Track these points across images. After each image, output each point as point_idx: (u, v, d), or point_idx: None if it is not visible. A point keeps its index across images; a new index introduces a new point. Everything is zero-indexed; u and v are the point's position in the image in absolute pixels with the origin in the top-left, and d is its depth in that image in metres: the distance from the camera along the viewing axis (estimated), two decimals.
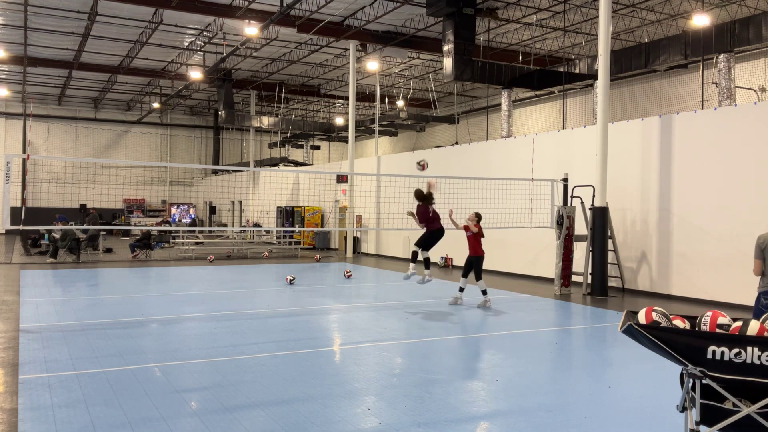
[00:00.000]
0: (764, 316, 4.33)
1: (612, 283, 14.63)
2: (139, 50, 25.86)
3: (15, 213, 12.43)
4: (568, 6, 19.75)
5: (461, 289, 12.25)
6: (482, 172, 19.00)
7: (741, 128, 12.50)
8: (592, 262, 13.94)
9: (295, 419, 5.45)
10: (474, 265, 11.98)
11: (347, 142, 25.78)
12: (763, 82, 20.27)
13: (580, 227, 14.93)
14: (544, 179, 15.78)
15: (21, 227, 11.44)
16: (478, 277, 11.94)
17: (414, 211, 11.99)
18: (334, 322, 10.21)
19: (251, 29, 20.88)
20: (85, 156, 40.87)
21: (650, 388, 6.57)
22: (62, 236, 20.17)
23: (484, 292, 12.01)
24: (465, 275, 12.14)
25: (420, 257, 12.02)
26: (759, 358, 3.87)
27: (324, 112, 40.76)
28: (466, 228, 12.09)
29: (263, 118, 33.59)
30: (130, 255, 22.16)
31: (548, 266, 16.43)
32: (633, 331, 4.21)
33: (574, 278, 14.89)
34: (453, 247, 20.27)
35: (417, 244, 11.96)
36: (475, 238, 12.02)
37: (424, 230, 11.97)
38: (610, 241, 14.22)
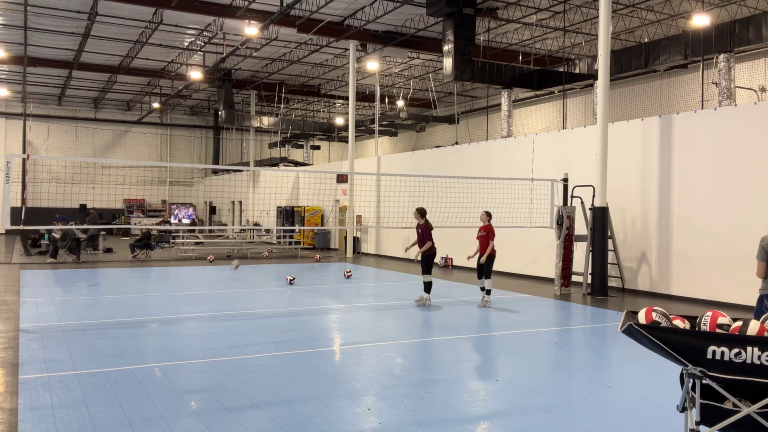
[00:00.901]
0: (764, 316, 4.33)
1: (612, 283, 14.64)
2: (139, 50, 25.87)
3: (15, 213, 12.42)
4: (568, 6, 19.75)
5: (482, 289, 12.17)
6: (482, 172, 19.01)
7: (741, 128, 12.50)
8: (592, 262, 13.94)
9: (295, 419, 5.45)
10: (484, 264, 12.05)
11: (347, 142, 25.78)
12: (763, 82, 20.27)
13: (580, 227, 14.93)
14: (544, 179, 15.78)
15: (21, 227, 11.44)
16: (487, 276, 12.01)
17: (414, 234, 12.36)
18: (334, 322, 10.21)
19: (251, 29, 20.88)
20: (85, 156, 40.88)
21: (650, 388, 6.57)
22: (62, 236, 20.17)
23: (488, 292, 12.03)
24: (480, 276, 12.14)
25: (425, 279, 12.18)
26: (759, 358, 3.87)
27: (324, 112, 40.76)
28: (489, 232, 12.12)
29: (263, 118, 33.60)
30: (130, 255, 22.16)
31: (548, 266, 16.43)
32: (633, 331, 4.21)
33: (574, 278, 14.89)
34: (453, 247, 20.29)
35: (428, 272, 12.10)
36: (486, 239, 12.02)
37: (421, 253, 12.13)
38: (610, 241, 14.22)
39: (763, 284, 6.28)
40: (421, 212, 12.29)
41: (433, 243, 12.15)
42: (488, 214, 12.29)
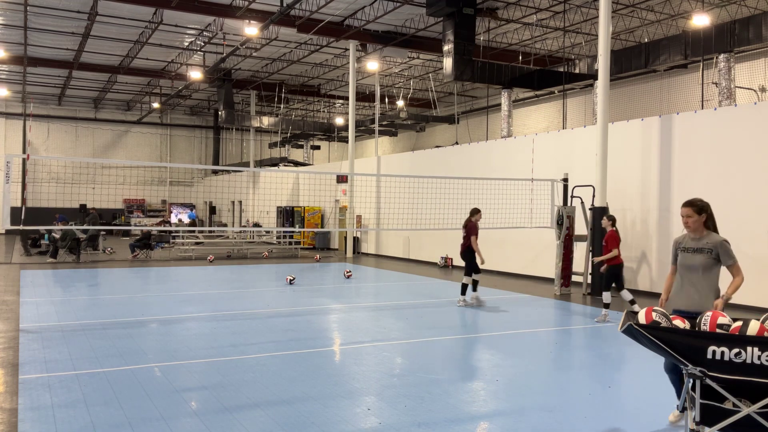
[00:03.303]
0: (764, 316, 4.33)
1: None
2: (139, 50, 25.87)
3: (15, 213, 12.43)
4: (568, 6, 19.75)
5: (606, 305, 10.86)
6: (482, 172, 19.00)
7: (741, 128, 12.50)
8: (592, 262, 13.93)
9: (295, 419, 5.45)
10: (615, 273, 10.91)
11: (347, 142, 25.79)
12: (763, 82, 20.27)
13: (580, 227, 14.93)
14: (544, 179, 15.78)
15: (21, 227, 11.45)
16: (605, 288, 10.86)
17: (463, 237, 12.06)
18: (334, 322, 10.21)
19: (251, 29, 20.88)
20: (85, 156, 40.88)
21: (650, 388, 6.57)
22: (62, 236, 20.17)
23: (607, 306, 10.82)
24: (608, 288, 10.86)
25: (467, 280, 12.11)
26: (759, 358, 3.87)
27: (324, 112, 40.77)
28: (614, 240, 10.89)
29: (263, 118, 33.61)
30: (130, 255, 22.16)
31: (548, 266, 16.43)
32: (633, 331, 4.21)
33: (574, 278, 14.89)
34: (453, 247, 20.29)
35: (476, 272, 12.03)
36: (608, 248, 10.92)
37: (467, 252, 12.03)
38: None
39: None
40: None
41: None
42: (611, 219, 11.16)
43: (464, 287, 12.04)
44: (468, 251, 11.97)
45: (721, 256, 5.05)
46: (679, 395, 5.15)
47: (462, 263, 12.34)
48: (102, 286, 14.35)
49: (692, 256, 5.12)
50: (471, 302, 12.22)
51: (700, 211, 5.09)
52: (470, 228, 11.95)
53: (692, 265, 5.11)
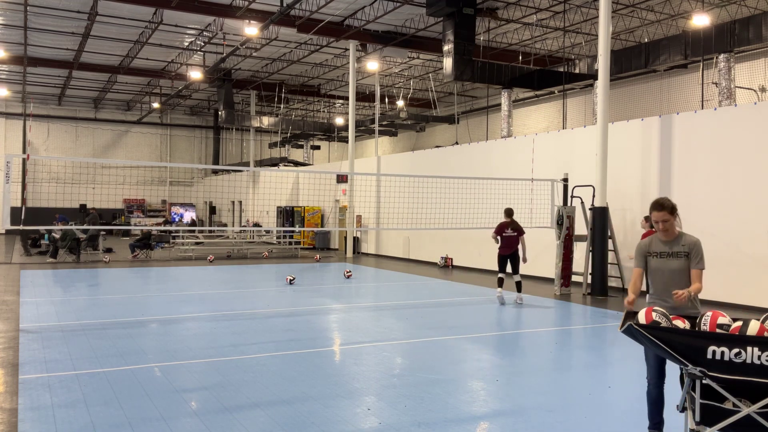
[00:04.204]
0: (764, 315, 4.33)
1: (612, 283, 14.63)
2: (139, 50, 25.87)
3: (15, 213, 12.42)
4: (568, 6, 19.75)
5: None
6: (482, 172, 19.00)
7: (741, 128, 12.50)
8: (592, 262, 13.94)
9: (295, 419, 5.45)
10: None
11: (347, 142, 25.79)
12: (763, 82, 20.27)
13: (580, 227, 14.93)
14: (544, 179, 15.78)
15: (21, 227, 11.45)
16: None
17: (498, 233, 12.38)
18: (334, 322, 10.21)
19: (251, 29, 20.88)
20: (85, 156, 40.88)
21: None
22: (62, 236, 20.17)
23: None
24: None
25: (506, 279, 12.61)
26: (759, 358, 3.87)
27: (324, 112, 40.76)
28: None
29: (263, 118, 33.60)
30: (130, 255, 22.16)
31: (548, 266, 16.43)
32: (633, 331, 4.21)
33: (574, 278, 14.89)
34: (453, 247, 20.28)
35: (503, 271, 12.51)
36: None
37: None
38: (610, 241, 14.22)
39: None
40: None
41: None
42: (648, 220, 11.38)
43: (519, 285, 12.58)
44: (516, 251, 12.39)
45: (693, 256, 4.80)
46: (651, 417, 5.09)
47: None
48: (102, 286, 14.35)
49: (669, 261, 4.87)
50: (518, 302, 12.52)
51: (673, 212, 4.80)
52: (520, 228, 12.42)
53: (673, 271, 4.85)
